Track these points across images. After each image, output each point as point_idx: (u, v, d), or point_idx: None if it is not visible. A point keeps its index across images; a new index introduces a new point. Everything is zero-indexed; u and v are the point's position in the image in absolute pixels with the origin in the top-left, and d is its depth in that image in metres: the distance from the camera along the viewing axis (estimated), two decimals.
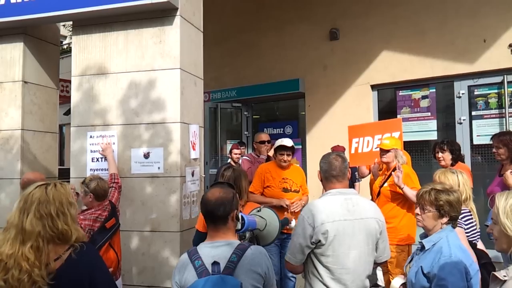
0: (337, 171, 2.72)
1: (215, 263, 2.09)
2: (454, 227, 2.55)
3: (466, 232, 3.03)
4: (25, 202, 2.03)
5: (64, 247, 2.03)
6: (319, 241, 2.53)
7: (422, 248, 2.58)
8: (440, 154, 4.79)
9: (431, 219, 2.55)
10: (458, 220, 2.96)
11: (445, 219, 2.52)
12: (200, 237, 3.18)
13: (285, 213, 3.95)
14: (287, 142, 4.61)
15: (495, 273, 1.77)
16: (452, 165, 4.65)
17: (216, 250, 2.16)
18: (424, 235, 2.63)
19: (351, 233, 2.57)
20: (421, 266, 2.43)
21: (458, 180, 3.23)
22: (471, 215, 3.20)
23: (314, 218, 2.55)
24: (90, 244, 2.21)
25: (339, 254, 2.55)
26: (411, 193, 4.11)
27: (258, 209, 3.11)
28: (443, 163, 4.74)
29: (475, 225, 3.20)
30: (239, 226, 2.49)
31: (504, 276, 1.71)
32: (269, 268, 2.22)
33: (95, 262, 2.12)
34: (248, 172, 5.65)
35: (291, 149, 4.61)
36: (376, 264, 2.79)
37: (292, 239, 2.65)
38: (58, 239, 2.01)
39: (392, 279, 2.99)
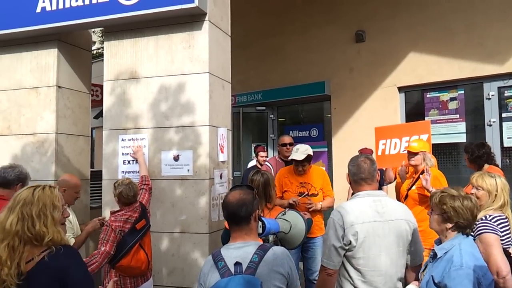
0: (366, 174, 2.71)
1: (237, 264, 2.13)
2: (466, 236, 2.44)
3: (501, 239, 2.93)
4: (13, 201, 2.09)
5: (40, 249, 2.04)
6: (350, 242, 2.53)
7: (435, 255, 2.51)
8: (465, 157, 4.83)
9: (435, 222, 2.51)
10: (494, 227, 2.89)
11: (449, 225, 2.44)
12: (229, 235, 3.23)
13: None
14: (299, 155, 4.47)
15: None
16: (478, 168, 4.57)
17: (238, 251, 2.20)
18: (439, 241, 2.57)
19: (381, 235, 2.57)
20: (432, 276, 2.37)
21: (496, 184, 3.09)
22: (507, 221, 3.07)
23: (344, 220, 2.55)
24: (70, 247, 2.19)
25: (370, 256, 2.54)
26: None
27: (283, 212, 3.13)
28: (468, 165, 4.78)
29: (510, 232, 3.10)
30: (260, 230, 2.50)
31: None
32: (292, 269, 2.25)
33: (69, 267, 2.06)
34: None
35: (306, 160, 4.49)
36: (410, 268, 2.75)
37: (325, 243, 2.64)
38: (36, 240, 2.03)
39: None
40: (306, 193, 4.49)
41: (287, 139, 6.19)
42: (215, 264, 2.18)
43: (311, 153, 4.53)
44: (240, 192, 2.31)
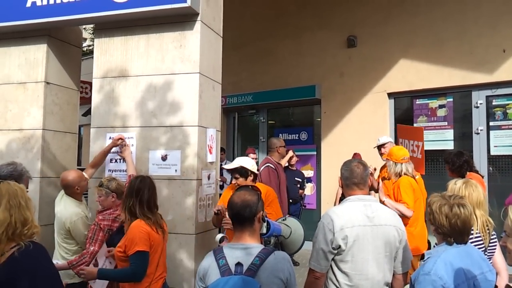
0: (359, 179, 2.74)
1: (238, 264, 2.16)
2: (449, 244, 2.36)
3: None
4: None
5: (11, 244, 2.06)
6: (339, 246, 2.55)
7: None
8: (446, 167, 4.94)
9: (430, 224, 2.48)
10: None
11: (432, 227, 2.43)
12: (146, 259, 3.06)
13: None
14: (229, 165, 4.06)
15: (510, 284, 1.75)
16: (460, 176, 4.62)
17: (241, 251, 2.23)
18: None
19: (370, 239, 2.58)
20: (411, 277, 2.41)
21: (454, 190, 3.09)
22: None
23: (334, 224, 2.56)
24: (38, 244, 2.20)
25: (358, 260, 2.56)
26: (391, 205, 4.12)
27: (284, 218, 3.17)
28: (449, 174, 4.86)
29: (480, 241, 3.05)
30: (264, 230, 2.53)
31: None
32: (291, 274, 2.26)
33: (37, 265, 2.10)
34: (273, 182, 5.51)
35: (238, 171, 3.91)
36: (397, 275, 2.74)
37: (314, 246, 2.65)
38: (12, 234, 2.05)
39: None
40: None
41: (283, 141, 6.14)
42: (216, 261, 2.21)
43: (247, 166, 3.89)
44: (246, 193, 2.35)
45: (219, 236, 3.30)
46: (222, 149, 8.99)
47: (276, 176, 5.62)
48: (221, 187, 7.96)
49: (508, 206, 1.94)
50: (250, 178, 3.90)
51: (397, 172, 4.51)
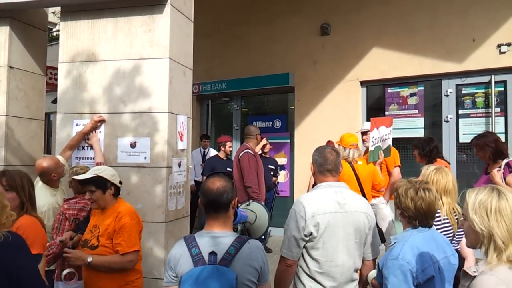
0: (332, 165, 2.74)
1: (212, 253, 2.10)
2: (415, 228, 2.40)
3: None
4: None
5: None
6: (311, 233, 2.54)
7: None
8: (415, 152, 5.04)
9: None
10: None
11: (398, 211, 2.46)
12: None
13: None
14: (81, 175, 3.23)
15: (465, 269, 1.78)
16: (429, 162, 4.70)
17: (214, 240, 2.17)
18: None
19: (341, 226, 2.59)
20: (378, 262, 2.43)
21: (426, 175, 3.15)
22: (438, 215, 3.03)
23: (306, 211, 2.56)
24: (17, 234, 2.16)
25: (328, 246, 2.56)
26: None
27: (248, 203, 3.14)
28: (418, 160, 5.00)
29: (448, 226, 3.08)
30: None
31: (474, 271, 1.71)
32: (265, 263, 2.24)
33: (20, 257, 2.06)
34: (253, 168, 5.53)
35: (94, 183, 3.13)
36: (366, 261, 2.77)
37: (286, 234, 2.64)
38: None
39: None
40: (90, 243, 3.17)
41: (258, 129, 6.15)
42: (189, 250, 2.14)
43: (105, 176, 3.14)
44: (220, 179, 2.26)
45: (66, 271, 3.20)
46: (206, 136, 8.90)
47: (255, 162, 5.59)
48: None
49: (467, 190, 1.96)
50: (111, 191, 3.18)
51: (344, 156, 4.87)
